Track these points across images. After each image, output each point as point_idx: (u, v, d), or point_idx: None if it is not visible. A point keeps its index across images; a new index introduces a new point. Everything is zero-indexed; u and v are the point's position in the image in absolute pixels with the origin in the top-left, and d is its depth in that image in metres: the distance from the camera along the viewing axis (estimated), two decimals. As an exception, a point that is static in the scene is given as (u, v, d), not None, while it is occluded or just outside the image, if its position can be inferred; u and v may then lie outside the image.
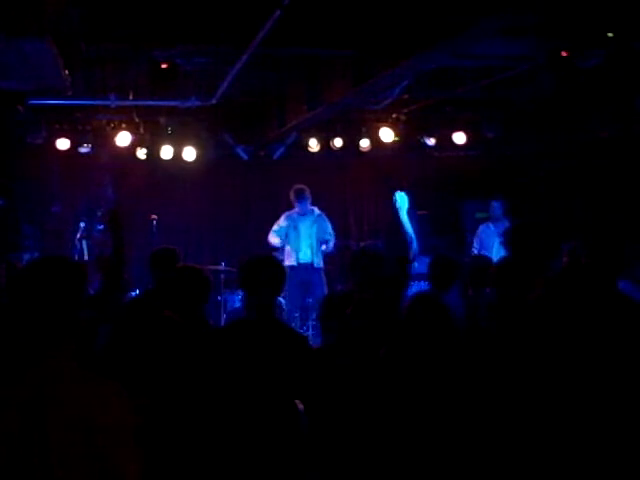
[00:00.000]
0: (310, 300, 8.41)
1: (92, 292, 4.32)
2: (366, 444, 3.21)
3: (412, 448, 3.16)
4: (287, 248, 8.52)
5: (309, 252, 8.51)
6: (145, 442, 2.17)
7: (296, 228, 8.56)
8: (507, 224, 7.90)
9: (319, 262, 8.57)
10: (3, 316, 2.91)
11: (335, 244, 8.75)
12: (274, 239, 8.61)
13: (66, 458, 1.97)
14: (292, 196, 8.56)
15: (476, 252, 8.34)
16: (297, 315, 8.64)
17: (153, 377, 3.18)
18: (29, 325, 2.07)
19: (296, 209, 8.60)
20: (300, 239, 8.53)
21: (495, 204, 8.61)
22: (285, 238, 8.56)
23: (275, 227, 8.67)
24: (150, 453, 2.27)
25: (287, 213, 8.72)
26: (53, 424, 1.98)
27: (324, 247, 8.58)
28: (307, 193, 8.50)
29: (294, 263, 8.40)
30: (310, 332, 8.15)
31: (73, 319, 2.11)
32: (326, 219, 8.73)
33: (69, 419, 1.99)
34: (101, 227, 9.29)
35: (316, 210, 8.70)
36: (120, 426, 2.04)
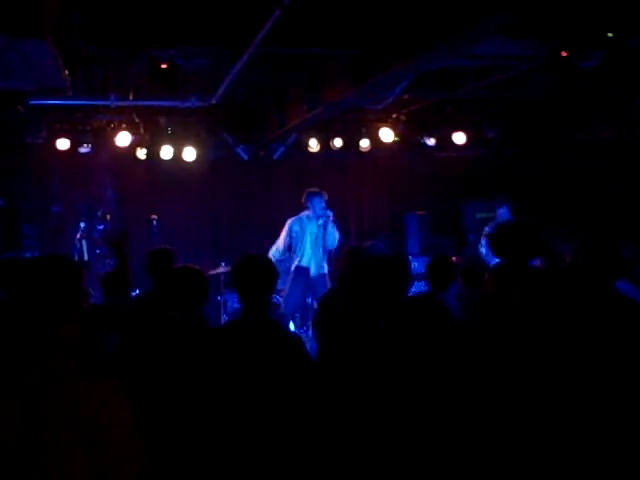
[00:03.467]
0: (310, 300, 8.38)
1: (93, 301, 4.33)
2: (363, 444, 3.21)
3: (409, 446, 3.16)
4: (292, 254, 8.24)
5: (313, 260, 8.27)
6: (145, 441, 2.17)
7: (303, 236, 8.23)
8: None
9: (324, 267, 8.35)
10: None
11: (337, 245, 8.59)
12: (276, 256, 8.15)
13: (64, 457, 1.97)
14: (305, 199, 8.18)
15: (484, 251, 8.22)
16: (297, 315, 8.62)
17: (164, 379, 3.19)
18: (26, 325, 2.07)
19: (306, 212, 8.21)
20: (306, 246, 8.26)
21: (502, 211, 8.34)
22: (288, 249, 8.24)
23: (279, 245, 8.26)
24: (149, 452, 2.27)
25: (291, 221, 8.28)
26: (51, 424, 1.98)
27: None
28: (324, 196, 8.07)
29: (299, 264, 8.21)
30: (310, 332, 8.14)
31: (70, 319, 2.11)
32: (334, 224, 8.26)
33: (67, 418, 1.99)
34: (101, 227, 9.30)
35: (328, 212, 8.14)
36: (117, 424, 2.04)
